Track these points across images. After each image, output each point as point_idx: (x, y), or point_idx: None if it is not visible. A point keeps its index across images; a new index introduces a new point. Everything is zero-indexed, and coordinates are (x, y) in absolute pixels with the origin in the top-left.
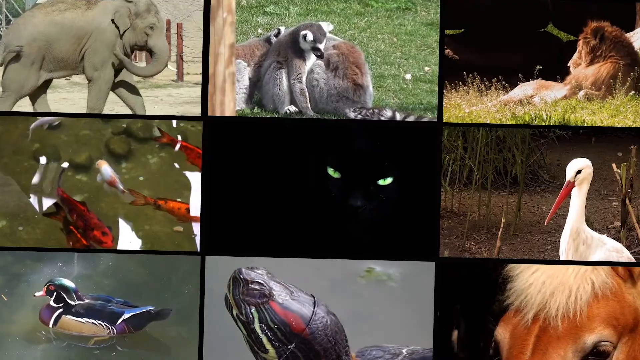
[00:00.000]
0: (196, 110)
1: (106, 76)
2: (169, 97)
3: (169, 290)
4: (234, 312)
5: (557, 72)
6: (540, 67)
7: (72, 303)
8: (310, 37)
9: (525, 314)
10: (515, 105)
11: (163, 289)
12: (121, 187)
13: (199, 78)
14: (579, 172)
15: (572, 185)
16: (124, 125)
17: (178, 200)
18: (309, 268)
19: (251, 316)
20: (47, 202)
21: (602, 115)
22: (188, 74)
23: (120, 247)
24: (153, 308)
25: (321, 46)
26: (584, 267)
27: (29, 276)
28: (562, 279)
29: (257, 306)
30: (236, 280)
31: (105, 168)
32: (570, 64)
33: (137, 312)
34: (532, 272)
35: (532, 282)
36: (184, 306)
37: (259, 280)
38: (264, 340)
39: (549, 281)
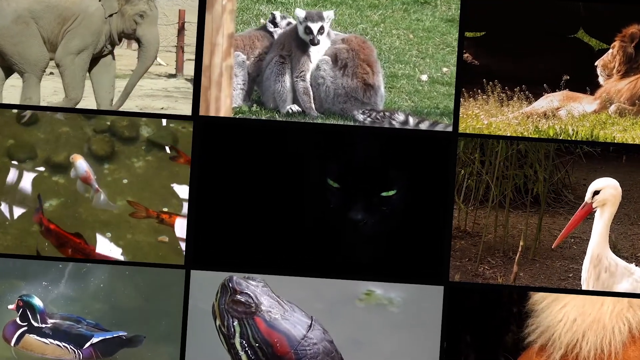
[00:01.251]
0: (157, 105)
1: (82, 62)
2: None
3: (151, 309)
4: (217, 322)
5: (586, 83)
6: (568, 77)
7: (35, 325)
8: (301, 14)
9: (551, 354)
10: (539, 118)
11: (145, 307)
12: (95, 185)
13: (162, 69)
14: (597, 192)
15: (589, 207)
16: (108, 123)
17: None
18: (303, 287)
19: (232, 329)
20: (18, 211)
21: (635, 132)
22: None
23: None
24: (125, 333)
25: (314, 27)
26: (619, 304)
27: (8, 295)
28: (595, 316)
29: (240, 319)
30: (224, 288)
31: (80, 162)
32: (598, 64)
33: (108, 337)
34: (560, 307)
35: (561, 319)
36: (165, 327)
37: (247, 292)
38: (243, 358)
39: (581, 319)
